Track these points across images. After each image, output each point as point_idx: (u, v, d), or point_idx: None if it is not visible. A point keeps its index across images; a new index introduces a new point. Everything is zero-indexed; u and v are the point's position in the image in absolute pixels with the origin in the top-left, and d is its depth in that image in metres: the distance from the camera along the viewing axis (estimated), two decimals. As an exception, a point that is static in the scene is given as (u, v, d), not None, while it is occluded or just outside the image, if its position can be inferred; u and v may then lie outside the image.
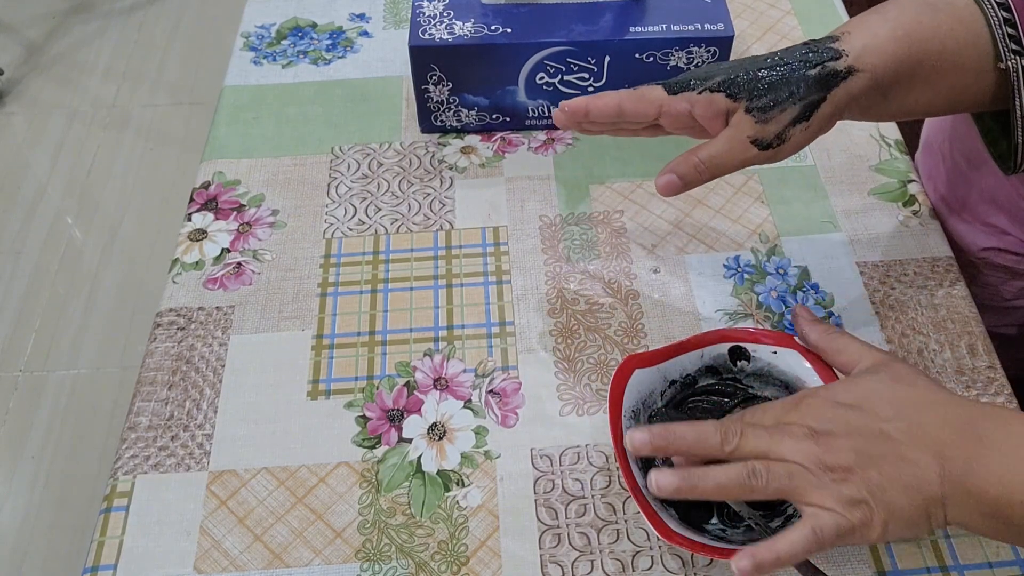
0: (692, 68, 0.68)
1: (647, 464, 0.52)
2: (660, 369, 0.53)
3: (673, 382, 0.54)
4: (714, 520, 0.50)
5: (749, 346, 0.54)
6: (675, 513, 0.49)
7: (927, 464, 0.42)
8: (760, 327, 0.60)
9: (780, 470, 0.43)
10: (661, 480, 0.44)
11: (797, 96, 0.48)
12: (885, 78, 0.49)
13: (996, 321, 0.70)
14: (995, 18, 0.49)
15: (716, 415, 0.53)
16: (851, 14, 0.83)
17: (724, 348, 0.54)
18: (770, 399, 0.54)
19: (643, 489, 0.48)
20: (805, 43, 0.50)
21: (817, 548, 0.41)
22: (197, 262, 0.65)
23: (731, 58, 0.69)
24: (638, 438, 0.45)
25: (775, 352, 0.53)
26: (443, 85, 0.69)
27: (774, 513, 0.50)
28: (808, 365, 0.52)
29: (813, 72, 0.48)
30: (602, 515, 0.52)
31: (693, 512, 0.50)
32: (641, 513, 0.47)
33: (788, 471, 0.43)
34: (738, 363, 0.54)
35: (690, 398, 0.55)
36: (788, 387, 0.53)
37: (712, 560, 0.50)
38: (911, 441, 0.43)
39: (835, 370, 0.51)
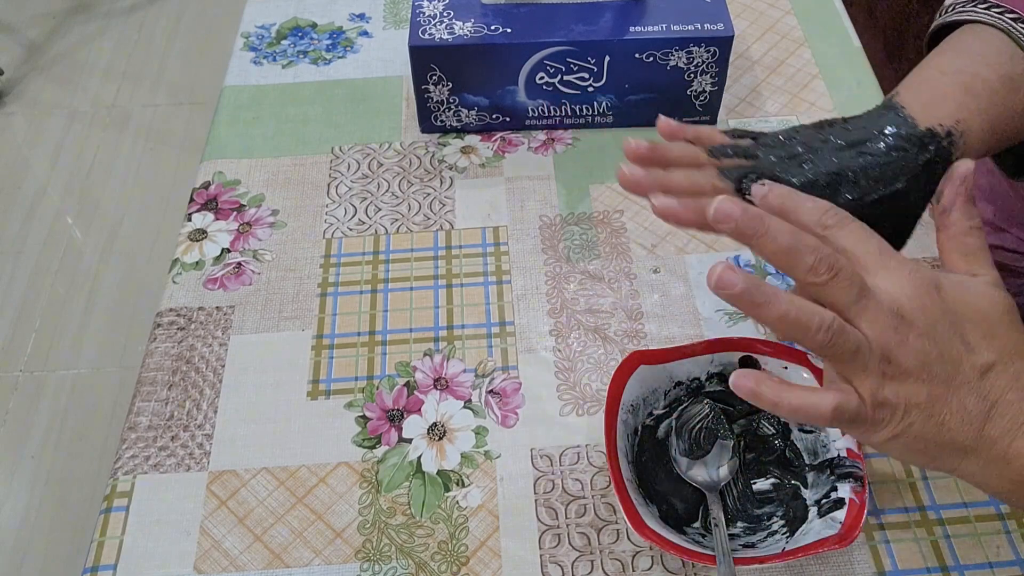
0: (692, 68, 0.68)
1: (638, 461, 0.52)
2: (667, 369, 0.53)
3: (679, 383, 0.54)
4: (696, 524, 0.50)
5: (760, 358, 0.53)
6: (656, 511, 0.49)
7: (974, 414, 0.38)
8: (766, 334, 0.60)
9: (852, 339, 0.38)
10: (727, 275, 0.37)
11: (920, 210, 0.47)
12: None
13: None
14: None
15: (717, 426, 0.53)
16: (851, 14, 0.83)
17: (735, 356, 0.54)
18: (772, 414, 0.54)
19: (627, 482, 0.48)
20: (922, 148, 0.46)
21: (826, 423, 0.39)
22: (197, 262, 0.65)
23: (731, 58, 0.69)
24: (726, 207, 0.38)
25: (786, 368, 0.53)
26: (443, 85, 0.69)
27: (758, 527, 0.50)
28: (818, 385, 0.52)
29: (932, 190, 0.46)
30: (602, 515, 0.52)
31: (676, 513, 0.50)
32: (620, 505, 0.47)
33: (858, 343, 0.38)
34: None
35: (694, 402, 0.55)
36: None
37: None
38: (977, 384, 0.39)
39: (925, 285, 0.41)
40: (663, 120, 0.49)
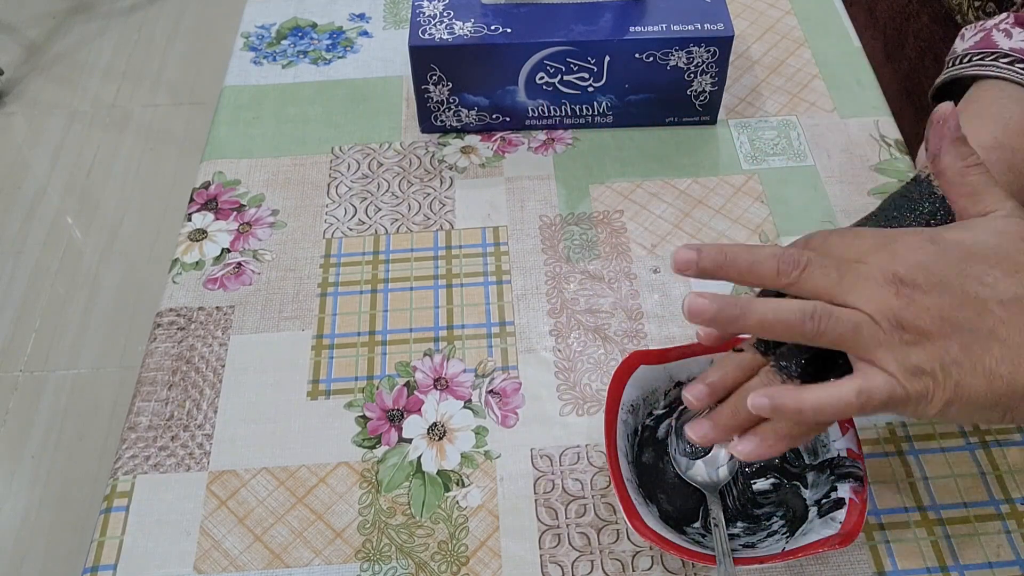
0: (692, 68, 0.68)
1: (638, 461, 0.52)
2: (667, 368, 0.53)
3: (679, 383, 0.54)
4: (696, 524, 0.50)
5: None
6: (656, 511, 0.49)
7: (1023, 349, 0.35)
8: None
9: (846, 318, 0.36)
10: (696, 302, 0.37)
11: None
12: None
13: None
14: None
15: None
16: (851, 14, 0.83)
17: None
18: None
19: (627, 482, 0.48)
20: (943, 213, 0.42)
21: (857, 411, 0.37)
22: (197, 262, 0.65)
23: (731, 58, 0.69)
24: (684, 254, 0.38)
25: None
26: (443, 85, 0.69)
27: (758, 527, 0.50)
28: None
29: None
30: (602, 515, 0.52)
31: (676, 513, 0.50)
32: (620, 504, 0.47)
33: (855, 322, 0.36)
34: None
35: None
36: None
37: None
38: (1013, 319, 0.36)
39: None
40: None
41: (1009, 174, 0.46)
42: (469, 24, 0.67)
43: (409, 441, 0.55)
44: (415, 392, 0.58)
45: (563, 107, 0.71)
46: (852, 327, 0.36)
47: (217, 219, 0.68)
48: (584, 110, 0.71)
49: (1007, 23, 0.52)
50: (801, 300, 0.37)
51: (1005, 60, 0.49)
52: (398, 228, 0.67)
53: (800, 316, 0.36)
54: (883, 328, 0.36)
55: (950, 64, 0.54)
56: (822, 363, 0.40)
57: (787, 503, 0.51)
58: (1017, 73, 0.48)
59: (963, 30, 0.56)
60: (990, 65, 0.49)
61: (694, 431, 0.43)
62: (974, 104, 0.50)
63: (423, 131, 0.73)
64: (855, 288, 0.37)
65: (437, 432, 0.56)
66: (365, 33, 0.82)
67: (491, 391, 0.58)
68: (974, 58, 0.50)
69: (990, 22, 0.53)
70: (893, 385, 0.36)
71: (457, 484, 0.53)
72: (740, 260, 0.38)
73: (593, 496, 0.53)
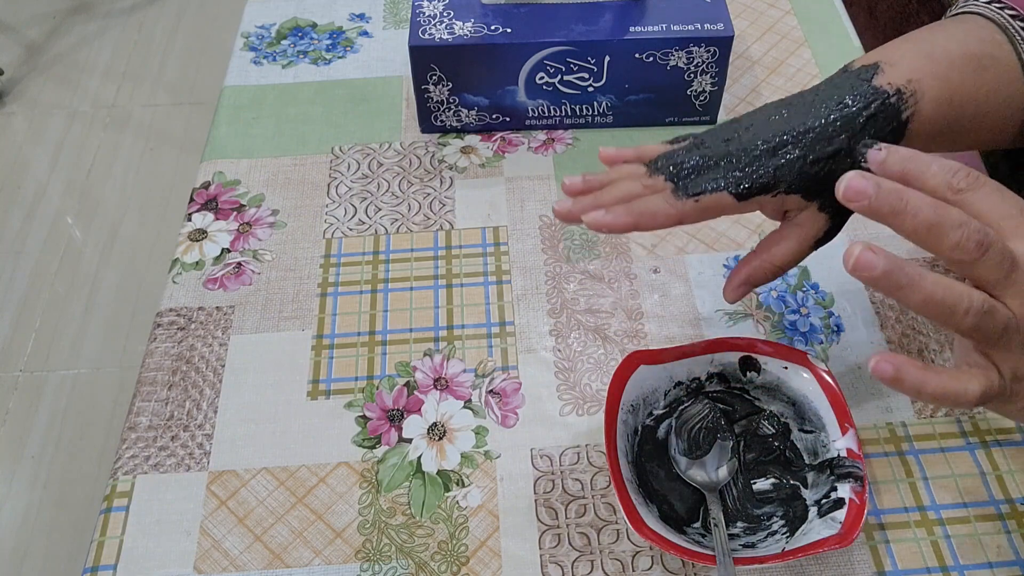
0: (692, 68, 0.68)
1: (638, 461, 0.52)
2: (667, 369, 0.53)
3: (679, 383, 0.54)
4: (696, 524, 0.50)
5: (760, 358, 0.53)
6: (656, 511, 0.49)
7: None
8: (760, 327, 0.60)
9: (1000, 316, 0.35)
10: (867, 255, 0.34)
11: None
12: (925, 137, 0.47)
13: None
14: None
15: (717, 426, 0.53)
16: (851, 14, 0.83)
17: (735, 356, 0.54)
18: (775, 414, 0.54)
19: (627, 482, 0.48)
20: (865, 107, 0.45)
21: (965, 407, 0.38)
22: (197, 262, 0.65)
23: (731, 58, 0.69)
24: (859, 183, 0.35)
25: (786, 367, 0.53)
26: (443, 85, 0.69)
27: (758, 527, 0.50)
28: (818, 385, 0.52)
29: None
30: (602, 515, 0.52)
31: (676, 513, 0.50)
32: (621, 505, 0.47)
33: (1006, 321, 0.35)
34: (747, 374, 0.54)
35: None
36: (795, 404, 0.53)
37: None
38: None
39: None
40: (603, 150, 0.50)
41: (922, 60, 0.46)
42: (469, 24, 0.67)
43: (409, 441, 0.55)
44: (415, 392, 0.58)
45: (563, 107, 0.71)
46: (1002, 327, 0.36)
47: (217, 219, 0.68)
48: (584, 110, 0.71)
49: None
50: (969, 288, 0.36)
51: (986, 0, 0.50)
52: (398, 228, 0.67)
53: (967, 307, 0.35)
54: (1021, 333, 0.36)
55: (948, 13, 0.55)
56: (698, 166, 0.46)
57: (787, 503, 0.51)
58: (989, 9, 0.49)
59: None
60: (971, 5, 0.51)
61: (559, 204, 0.47)
62: (929, 25, 0.51)
63: (423, 131, 0.73)
64: (1014, 286, 0.36)
65: (437, 432, 0.56)
66: (365, 33, 0.82)
67: (491, 391, 0.58)
68: (969, 2, 0.51)
69: None
70: (1004, 387, 0.37)
71: (457, 484, 0.53)
72: (921, 216, 0.35)
73: (593, 496, 0.53)
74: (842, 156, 0.45)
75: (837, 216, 0.48)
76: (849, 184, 0.36)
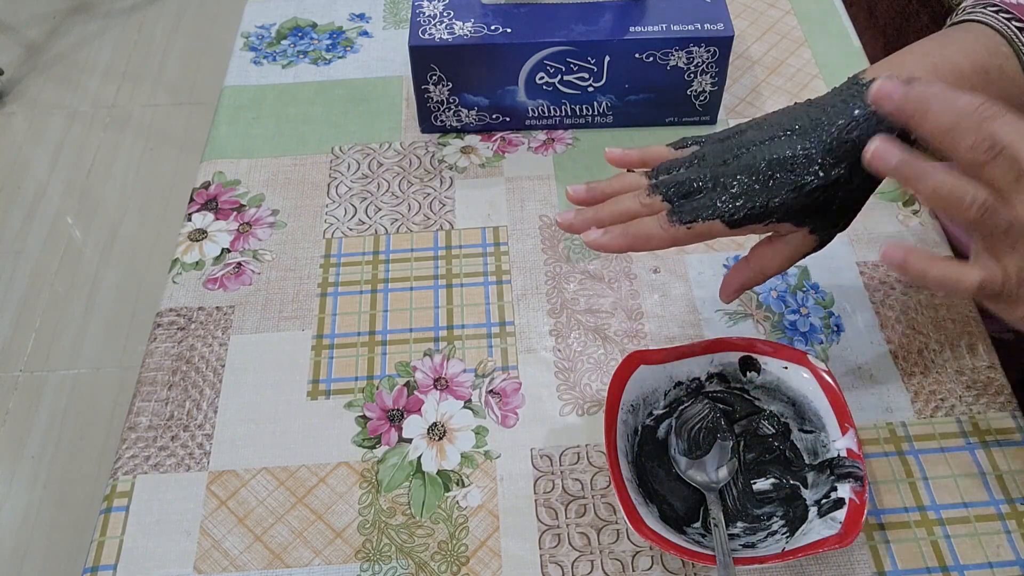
0: (692, 68, 0.68)
1: (638, 461, 0.52)
2: (667, 369, 0.53)
3: (679, 383, 0.54)
4: (696, 524, 0.50)
5: (760, 358, 0.53)
6: (656, 511, 0.49)
7: None
8: (760, 327, 0.60)
9: (1004, 216, 0.38)
10: (884, 146, 0.39)
11: (862, 203, 0.48)
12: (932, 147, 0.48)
13: (995, 327, 0.70)
14: None
15: (717, 426, 0.53)
16: (851, 14, 0.83)
17: (735, 356, 0.54)
18: (775, 414, 0.54)
19: (627, 482, 0.48)
20: (879, 121, 0.45)
21: (963, 295, 0.40)
22: (197, 262, 0.65)
23: (731, 58, 0.69)
24: (888, 86, 0.39)
25: (786, 368, 0.53)
26: (443, 85, 0.69)
27: (758, 527, 0.50)
28: (817, 386, 0.52)
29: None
30: (602, 515, 0.52)
31: (676, 513, 0.50)
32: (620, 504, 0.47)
33: (1009, 221, 0.38)
34: (747, 374, 0.54)
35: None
36: (795, 404, 0.53)
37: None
38: None
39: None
40: (608, 152, 0.52)
41: (929, 74, 0.47)
42: (469, 24, 0.67)
43: (409, 441, 0.55)
44: (415, 392, 0.58)
45: (563, 107, 0.71)
46: (1006, 226, 0.38)
47: (217, 219, 0.68)
48: (584, 110, 0.71)
49: None
50: (977, 186, 0.39)
51: (991, 8, 0.50)
52: (398, 228, 0.67)
53: (971, 200, 0.38)
54: None
55: (949, 21, 0.55)
56: (694, 191, 0.47)
57: (787, 503, 0.51)
58: (992, 18, 0.49)
59: None
60: (976, 12, 0.51)
61: (562, 216, 0.49)
62: (934, 34, 0.51)
63: (423, 131, 0.73)
64: (1022, 193, 0.38)
65: (437, 432, 0.56)
66: (365, 33, 0.82)
67: (491, 391, 0.58)
68: (968, 8, 0.52)
69: None
70: (1008, 286, 0.39)
71: (457, 484, 0.53)
72: (942, 118, 0.39)
73: (593, 496, 0.53)
74: (841, 183, 0.46)
75: (826, 235, 0.49)
76: (879, 87, 0.39)
